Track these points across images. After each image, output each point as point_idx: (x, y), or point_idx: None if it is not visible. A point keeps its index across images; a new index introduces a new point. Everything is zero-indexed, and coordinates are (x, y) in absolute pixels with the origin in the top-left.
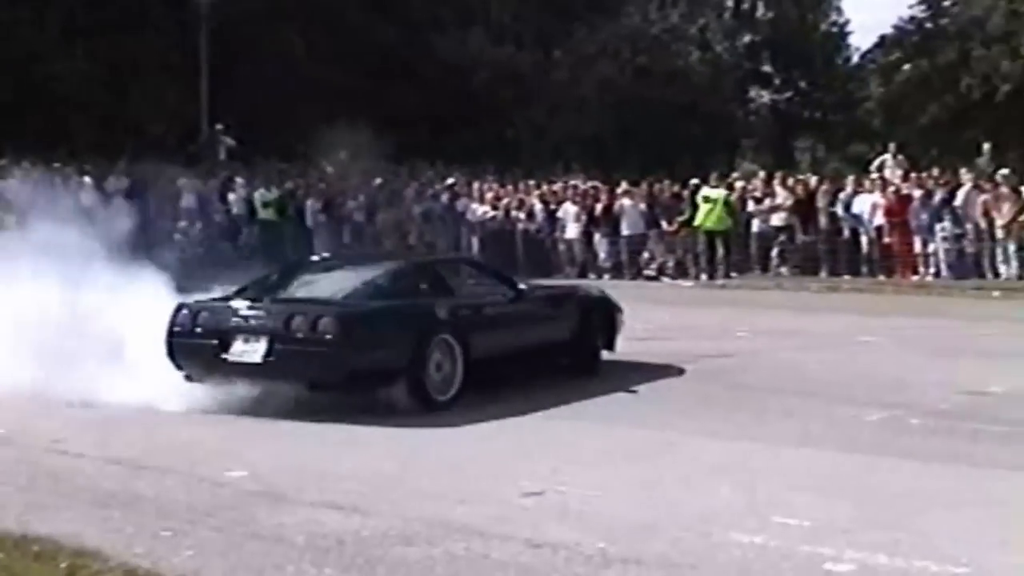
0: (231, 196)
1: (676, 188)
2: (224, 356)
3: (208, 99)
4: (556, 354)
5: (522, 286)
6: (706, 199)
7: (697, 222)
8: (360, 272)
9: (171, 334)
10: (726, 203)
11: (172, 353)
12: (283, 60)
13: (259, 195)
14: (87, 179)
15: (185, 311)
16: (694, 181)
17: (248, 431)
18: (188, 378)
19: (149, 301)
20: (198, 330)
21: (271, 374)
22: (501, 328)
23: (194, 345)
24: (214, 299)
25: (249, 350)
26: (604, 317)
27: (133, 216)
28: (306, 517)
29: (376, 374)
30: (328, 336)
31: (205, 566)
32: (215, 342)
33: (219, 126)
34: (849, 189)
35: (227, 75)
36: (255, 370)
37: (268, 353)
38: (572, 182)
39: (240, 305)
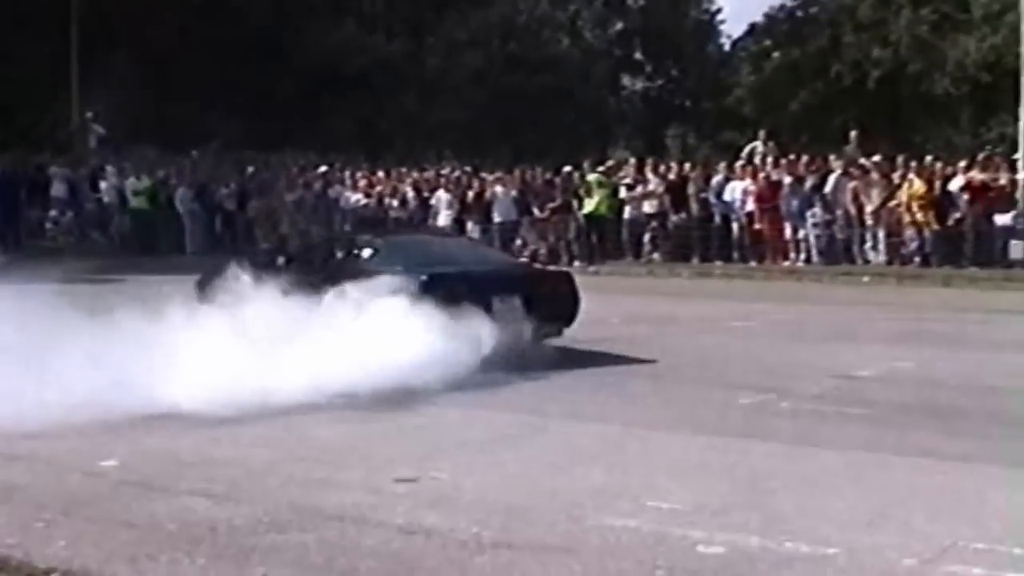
0: (102, 185)
1: (548, 175)
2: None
3: (78, 87)
4: None
5: None
6: (601, 184)
7: (590, 207)
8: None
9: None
10: (612, 189)
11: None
12: (155, 47)
13: (130, 184)
14: None
15: (440, 282)
16: (567, 168)
17: (119, 420)
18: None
19: None
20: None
21: (535, 321)
22: None
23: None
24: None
25: (511, 306)
26: None
27: (3, 205)
28: (179, 506)
29: None
30: (568, 288)
31: (78, 555)
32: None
33: (89, 114)
34: (720, 176)
35: (98, 62)
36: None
37: (528, 306)
38: (444, 170)
39: (475, 273)
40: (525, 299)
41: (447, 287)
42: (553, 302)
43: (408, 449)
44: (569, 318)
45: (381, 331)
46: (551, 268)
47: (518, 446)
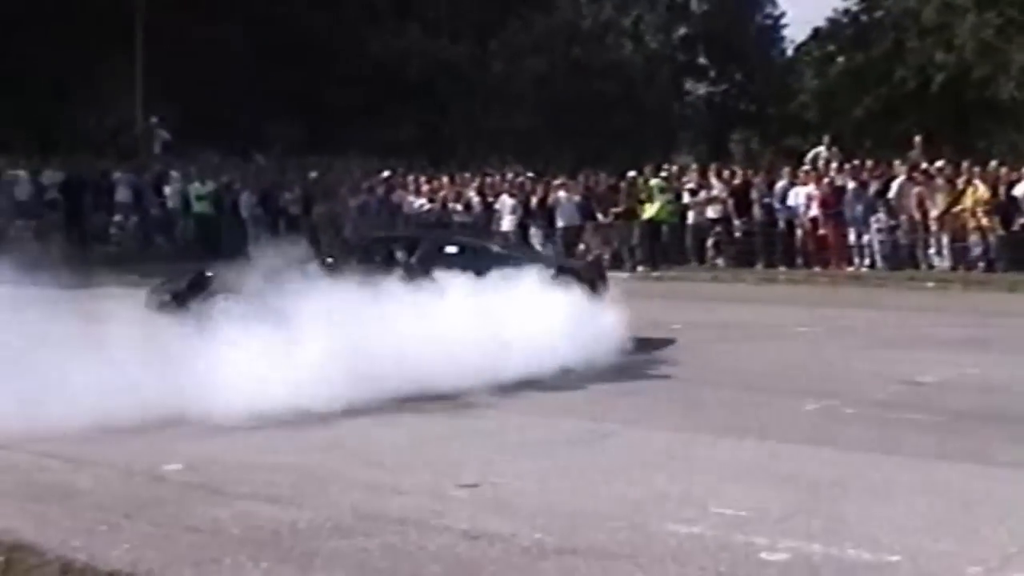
0: (166, 190)
1: (612, 180)
2: None
3: (143, 93)
4: None
5: None
6: (662, 190)
7: (651, 213)
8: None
9: None
10: (674, 194)
11: None
12: (219, 53)
13: (194, 188)
14: (22, 173)
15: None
16: (632, 173)
17: (183, 425)
18: None
19: None
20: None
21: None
22: None
23: None
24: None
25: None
26: None
27: (69, 210)
28: (242, 510)
29: None
30: None
31: (141, 559)
32: None
33: (154, 119)
34: (784, 181)
35: (162, 69)
36: None
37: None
38: (508, 175)
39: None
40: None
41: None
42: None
43: (471, 454)
44: None
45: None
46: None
47: (581, 452)
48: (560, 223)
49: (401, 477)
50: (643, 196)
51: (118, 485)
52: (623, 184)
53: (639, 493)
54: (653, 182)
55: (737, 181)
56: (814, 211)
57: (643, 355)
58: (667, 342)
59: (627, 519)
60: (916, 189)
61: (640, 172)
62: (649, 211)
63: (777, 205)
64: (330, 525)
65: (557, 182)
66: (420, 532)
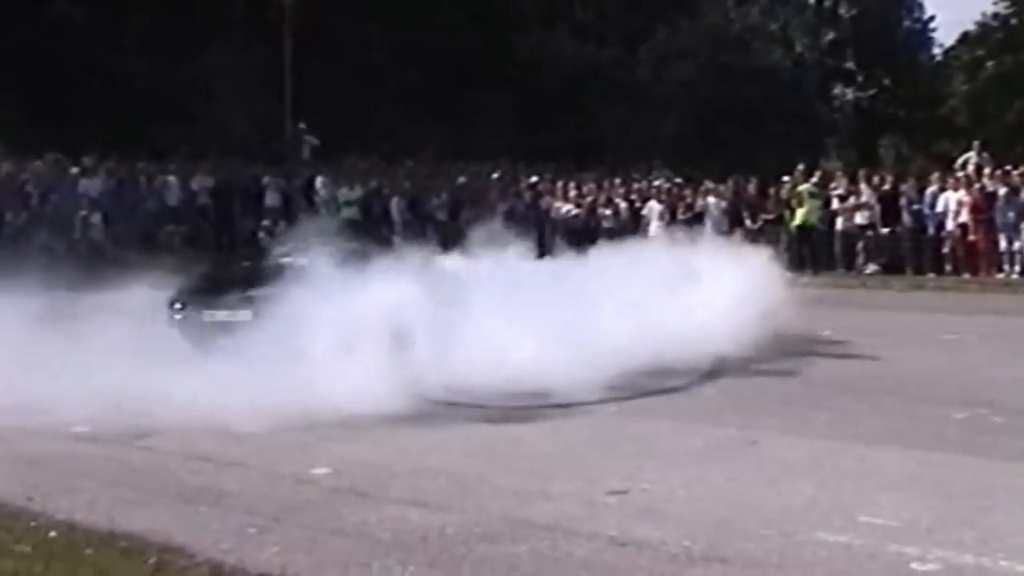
0: (316, 195)
1: (760, 186)
2: None
3: (292, 98)
4: None
5: None
6: (813, 195)
7: (800, 219)
8: None
9: None
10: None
11: None
12: (366, 59)
13: (343, 194)
14: (172, 178)
15: None
16: (785, 181)
17: (331, 429)
18: None
19: None
20: None
21: None
22: None
23: None
24: None
25: None
26: None
27: (218, 215)
28: (391, 514)
29: None
30: None
31: (291, 562)
32: None
33: (302, 125)
34: (934, 187)
35: (310, 74)
36: None
37: None
38: (656, 180)
39: None
40: None
41: None
42: None
43: (619, 460)
44: None
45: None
46: None
47: (729, 459)
48: (708, 229)
49: (550, 483)
50: (793, 202)
51: (266, 488)
52: (772, 190)
53: (787, 501)
54: (803, 188)
55: (886, 187)
56: (964, 217)
57: (790, 361)
58: (814, 348)
59: (776, 527)
60: None
61: (790, 177)
62: (799, 217)
63: (927, 211)
64: (479, 530)
65: (705, 187)
66: (568, 538)
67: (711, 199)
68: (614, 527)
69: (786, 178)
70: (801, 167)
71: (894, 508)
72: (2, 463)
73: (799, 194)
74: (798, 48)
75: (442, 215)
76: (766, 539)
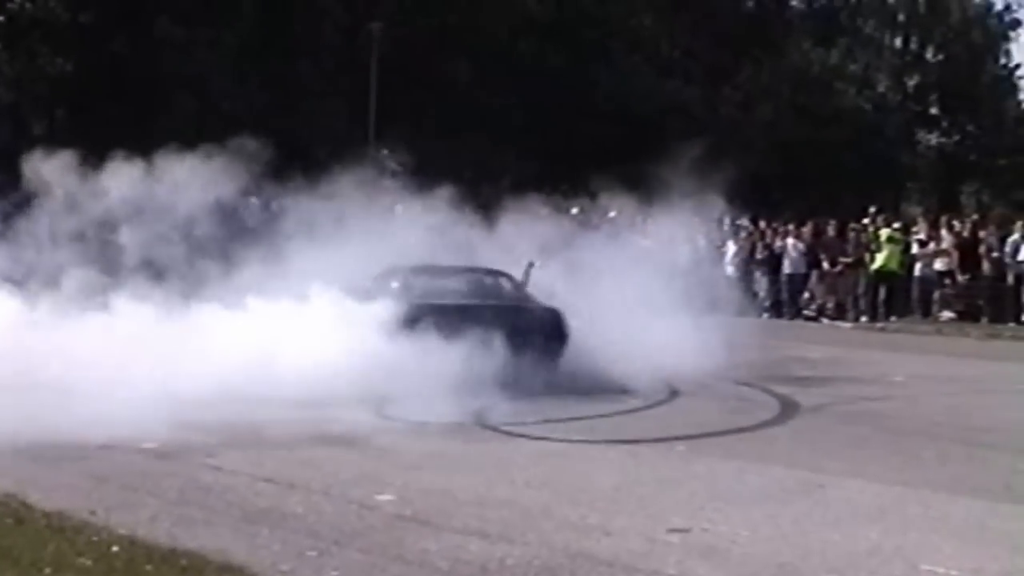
0: None
1: (839, 228)
2: None
3: (375, 123)
4: None
5: None
6: (891, 239)
7: (879, 263)
8: None
9: None
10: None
11: None
12: (449, 86)
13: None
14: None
15: None
16: (865, 221)
17: (398, 456)
18: None
19: None
20: None
21: None
22: None
23: None
24: None
25: None
26: None
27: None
28: (452, 543)
29: None
30: None
31: None
32: None
33: (384, 151)
34: (1016, 235)
35: (393, 100)
36: None
37: None
38: (733, 219)
39: None
40: None
41: None
42: None
43: (682, 499)
44: None
45: None
46: None
47: (793, 501)
48: (787, 270)
49: (611, 518)
50: (872, 246)
51: (330, 512)
52: (851, 233)
53: (849, 546)
54: (883, 232)
55: (966, 234)
56: None
57: (862, 405)
58: (887, 393)
59: (836, 572)
60: None
61: (872, 221)
62: (878, 261)
63: (1007, 259)
64: (538, 563)
65: (784, 228)
66: (628, 574)
67: (789, 240)
68: (674, 566)
69: (865, 221)
70: (872, 209)
71: (958, 557)
72: (69, 476)
73: (878, 239)
74: (880, 90)
75: None
76: None
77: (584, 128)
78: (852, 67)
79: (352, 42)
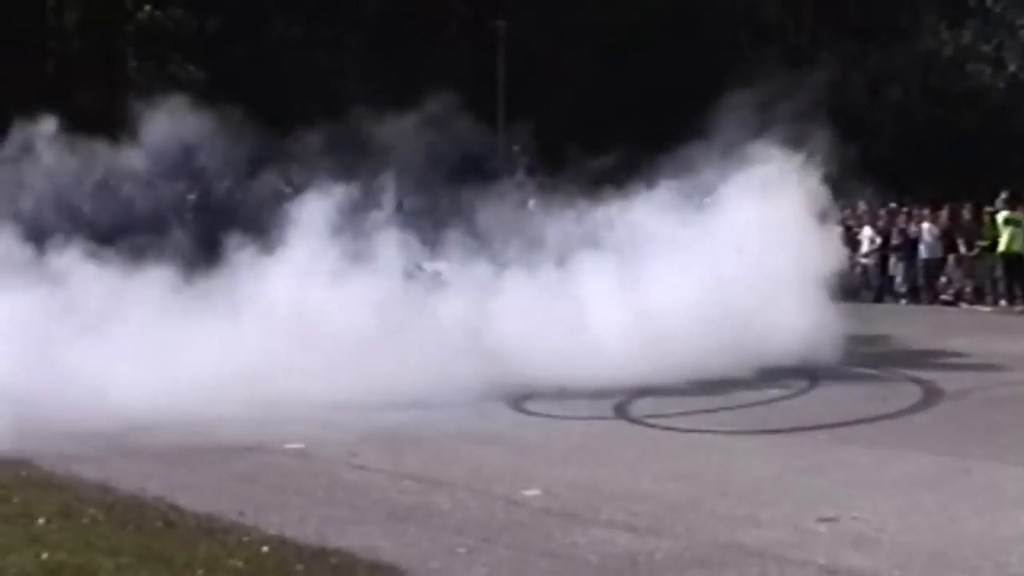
0: None
1: (975, 211)
2: None
3: (504, 120)
4: None
5: None
6: (1008, 222)
7: (1002, 247)
8: None
9: None
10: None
11: None
12: (578, 83)
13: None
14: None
15: None
16: (993, 207)
17: (542, 451)
18: None
19: None
20: None
21: None
22: None
23: None
24: None
25: None
26: None
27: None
28: (600, 537)
29: None
30: None
31: None
32: None
33: (515, 147)
34: None
35: (520, 97)
36: None
37: None
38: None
39: None
40: None
41: None
42: None
43: (828, 488)
44: None
45: None
46: None
47: (940, 488)
48: (923, 255)
49: (759, 508)
50: (995, 229)
51: (477, 508)
52: (986, 216)
53: (1001, 533)
54: (1001, 216)
55: None
56: None
57: (1005, 390)
58: None
59: (991, 559)
60: None
61: (995, 204)
62: (1001, 244)
63: None
64: (688, 555)
65: (919, 212)
66: (779, 565)
67: (925, 225)
68: (824, 555)
69: (996, 204)
70: (1004, 195)
71: None
72: (217, 478)
73: (995, 223)
74: (1011, 69)
75: None
76: (979, 570)
77: (708, 117)
78: (984, 48)
79: (476, 39)
